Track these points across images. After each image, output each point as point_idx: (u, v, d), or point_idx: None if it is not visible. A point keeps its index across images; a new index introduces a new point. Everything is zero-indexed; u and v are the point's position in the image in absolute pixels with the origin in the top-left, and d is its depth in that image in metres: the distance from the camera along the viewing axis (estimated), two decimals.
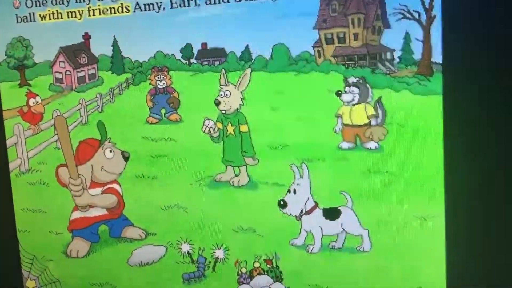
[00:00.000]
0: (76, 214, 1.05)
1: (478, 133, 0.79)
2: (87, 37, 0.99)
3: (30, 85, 1.05)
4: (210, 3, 0.90)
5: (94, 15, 0.98)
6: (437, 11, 0.78)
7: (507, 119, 0.78)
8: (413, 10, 0.79)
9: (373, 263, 0.88)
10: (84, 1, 0.98)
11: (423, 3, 0.79)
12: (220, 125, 0.94)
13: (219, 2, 0.90)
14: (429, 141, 0.81)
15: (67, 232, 1.06)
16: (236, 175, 0.94)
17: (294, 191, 0.90)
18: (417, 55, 0.80)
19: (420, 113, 0.81)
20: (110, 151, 1.01)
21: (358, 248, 0.89)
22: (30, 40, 1.03)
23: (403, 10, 0.80)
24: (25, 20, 1.02)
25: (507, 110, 0.77)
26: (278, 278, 0.94)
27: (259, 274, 0.95)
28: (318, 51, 0.86)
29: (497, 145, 0.79)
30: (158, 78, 0.96)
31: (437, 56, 0.79)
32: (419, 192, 0.83)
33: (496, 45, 0.76)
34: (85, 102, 1.02)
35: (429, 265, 0.85)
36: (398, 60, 0.82)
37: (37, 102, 1.05)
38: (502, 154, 0.79)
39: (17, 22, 1.03)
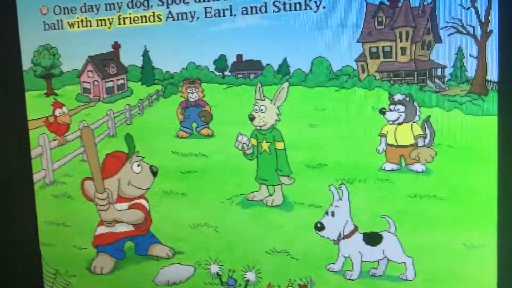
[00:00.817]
0: (101, 229, 1.04)
1: None
2: (116, 46, 0.98)
3: (56, 95, 1.04)
4: (247, 13, 0.88)
5: (124, 23, 0.97)
6: (493, 25, 0.75)
7: None
8: (467, 24, 0.76)
9: None
10: (114, 9, 0.97)
11: (478, 17, 0.75)
12: (254, 141, 0.92)
13: (256, 12, 0.88)
14: (482, 164, 0.78)
15: (91, 248, 1.06)
16: (270, 194, 0.92)
17: (332, 214, 0.87)
18: (471, 72, 0.77)
19: (472, 134, 0.78)
20: (138, 165, 0.99)
21: (400, 277, 0.85)
22: (58, 48, 1.02)
23: (457, 24, 0.77)
24: (53, 28, 1.02)
25: None
26: None
27: None
28: (362, 65, 0.83)
29: None
30: (190, 90, 0.95)
31: (492, 74, 0.76)
32: (469, 219, 0.80)
33: None
34: (113, 113, 1.01)
35: None
36: (449, 77, 0.79)
37: (64, 112, 1.05)
38: None
39: (45, 29, 1.02)
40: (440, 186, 0.81)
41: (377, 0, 0.80)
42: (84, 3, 0.98)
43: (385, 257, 0.86)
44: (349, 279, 0.88)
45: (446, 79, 0.79)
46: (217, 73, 0.92)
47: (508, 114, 0.76)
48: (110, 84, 1.01)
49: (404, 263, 0.85)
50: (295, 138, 0.89)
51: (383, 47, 0.82)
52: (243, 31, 0.88)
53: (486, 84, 0.76)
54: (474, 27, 0.76)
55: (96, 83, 1.01)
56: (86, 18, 0.98)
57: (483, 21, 0.75)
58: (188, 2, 0.91)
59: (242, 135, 0.92)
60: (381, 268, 0.87)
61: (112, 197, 1.01)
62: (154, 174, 0.99)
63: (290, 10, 0.85)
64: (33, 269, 1.10)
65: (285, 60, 0.87)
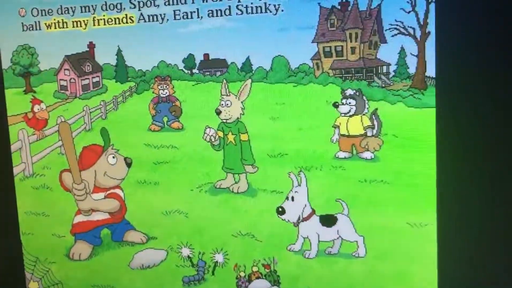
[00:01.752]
0: (79, 218, 1.07)
1: (470, 144, 0.82)
2: (91, 46, 1.01)
3: (35, 92, 1.07)
4: (213, 16, 0.92)
5: (99, 24, 1.00)
6: (431, 27, 0.81)
7: (497, 131, 0.80)
8: (408, 26, 0.82)
9: (367, 268, 0.91)
10: (89, 11, 1.00)
11: (418, 20, 0.81)
12: (221, 134, 0.96)
13: (221, 15, 0.92)
14: (423, 151, 0.84)
15: (70, 235, 1.08)
16: (236, 182, 0.97)
17: (292, 198, 0.92)
18: (412, 69, 0.83)
19: (414, 125, 0.84)
20: (113, 157, 1.03)
21: (353, 254, 0.91)
22: (36, 48, 1.05)
23: (399, 26, 0.82)
24: (31, 29, 1.04)
25: (498, 122, 0.80)
26: (275, 282, 0.97)
27: (257, 278, 0.98)
28: (317, 63, 0.88)
29: (488, 155, 0.81)
30: (161, 87, 0.99)
31: (430, 71, 0.82)
32: (412, 200, 0.86)
33: (488, 61, 0.79)
34: (89, 109, 1.04)
35: (422, 271, 0.87)
36: (393, 73, 0.85)
37: (42, 108, 1.07)
38: (493, 164, 0.82)
39: (23, 30, 1.04)
40: (386, 171, 0.87)
41: (330, 4, 0.85)
42: (61, 5, 1.00)
43: (340, 236, 0.91)
44: (308, 258, 0.93)
45: (390, 76, 0.85)
46: (186, 71, 0.95)
47: (445, 107, 0.82)
48: (86, 82, 1.04)
49: (356, 241, 0.90)
50: (258, 130, 0.93)
51: (335, 46, 0.87)
52: (210, 32, 0.92)
53: (425, 80, 0.82)
54: (414, 29, 0.82)
55: (72, 80, 1.04)
56: (62, 19, 1.01)
57: (422, 24, 0.81)
58: (158, 5, 0.95)
59: (209, 128, 0.96)
60: (336, 247, 0.92)
61: (89, 188, 1.04)
62: (129, 165, 1.02)
63: (252, 13, 0.89)
64: (14, 258, 1.12)
65: (248, 59, 0.91)
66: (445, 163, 0.83)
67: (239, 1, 0.90)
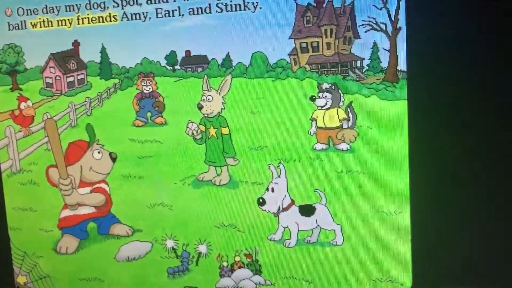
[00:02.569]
0: (66, 212, 1.09)
1: (440, 135, 0.85)
2: (76, 44, 1.03)
3: (21, 90, 1.09)
4: (193, 14, 0.95)
5: (83, 23, 1.02)
6: (402, 23, 0.84)
7: (466, 122, 0.84)
8: (380, 22, 0.85)
9: (345, 256, 0.94)
10: (73, 10, 1.02)
11: (389, 16, 0.84)
12: (202, 128, 0.98)
13: (202, 13, 0.94)
14: (396, 142, 0.87)
15: (57, 230, 1.10)
16: (218, 175, 0.99)
17: (272, 190, 0.95)
18: (384, 64, 0.86)
19: (387, 117, 0.87)
20: (99, 152, 1.05)
21: (331, 242, 0.94)
22: (22, 47, 1.07)
23: (372, 22, 0.85)
24: (17, 28, 1.06)
25: (466, 113, 0.84)
26: (257, 271, 0.99)
27: (239, 267, 1.00)
28: (294, 59, 0.91)
29: (457, 145, 0.85)
30: (144, 83, 1.01)
31: (402, 65, 0.85)
32: (387, 190, 0.89)
33: (456, 54, 0.83)
34: (74, 105, 1.06)
35: (396, 258, 0.91)
36: (367, 68, 0.87)
37: (28, 105, 1.09)
38: (463, 154, 0.85)
39: (9, 29, 1.07)
40: (362, 162, 0.89)
41: (305, 1, 0.88)
42: (46, 5, 1.02)
43: (318, 226, 0.94)
44: (288, 247, 0.96)
45: (364, 70, 0.87)
46: (168, 67, 0.98)
47: (416, 99, 0.85)
48: (71, 79, 1.06)
49: (334, 230, 0.93)
50: (239, 124, 0.95)
51: (311, 42, 0.90)
52: (191, 30, 0.95)
53: (397, 73, 0.85)
54: (386, 25, 0.84)
55: (58, 78, 1.06)
56: (47, 18, 1.03)
57: (393, 20, 0.84)
58: (141, 4, 0.97)
59: (192, 122, 0.98)
60: (314, 235, 0.95)
61: (75, 183, 1.07)
62: (114, 160, 1.04)
63: (232, 10, 0.92)
64: (2, 252, 1.14)
65: (228, 55, 0.93)
66: (417, 153, 0.86)
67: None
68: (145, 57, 0.98)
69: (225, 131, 0.97)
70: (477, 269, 0.87)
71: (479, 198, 0.85)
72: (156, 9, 0.97)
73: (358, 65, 0.88)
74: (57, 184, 1.07)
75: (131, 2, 0.98)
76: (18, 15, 1.05)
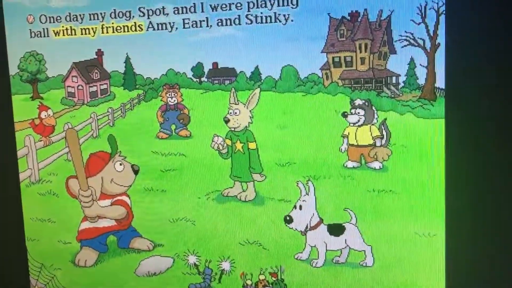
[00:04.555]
0: (85, 225, 1.07)
1: (478, 155, 0.83)
2: (100, 53, 1.02)
3: (42, 98, 1.07)
4: (222, 25, 0.93)
5: (107, 32, 1.00)
6: (441, 39, 0.82)
7: (505, 142, 0.81)
8: (418, 38, 0.83)
9: (375, 278, 0.91)
10: (98, 19, 1.00)
11: (428, 31, 0.82)
12: (229, 142, 0.97)
13: (231, 24, 0.92)
14: (432, 162, 0.85)
15: (75, 242, 1.09)
16: (243, 191, 0.97)
17: (300, 207, 0.93)
18: (421, 80, 0.84)
19: (423, 135, 0.85)
20: (120, 164, 1.03)
21: (361, 263, 0.92)
22: (44, 55, 1.05)
23: (409, 37, 0.83)
24: (39, 35, 1.04)
25: (505, 133, 0.81)
26: None
27: (264, 286, 0.98)
28: (326, 73, 0.89)
29: (497, 166, 0.82)
30: (169, 95, 0.99)
31: (440, 82, 0.83)
32: (421, 211, 0.87)
33: (496, 72, 0.80)
34: (96, 116, 1.05)
35: (429, 281, 0.88)
36: (402, 84, 0.85)
37: (49, 115, 1.07)
38: (502, 175, 0.82)
39: (31, 37, 1.05)
40: (395, 181, 0.87)
41: (339, 15, 0.86)
42: (69, 13, 1.01)
43: (347, 246, 0.92)
44: (315, 267, 0.94)
45: (400, 86, 0.85)
46: (195, 79, 0.96)
47: (453, 117, 0.82)
48: (93, 89, 1.04)
49: (364, 251, 0.91)
50: (266, 139, 0.94)
51: (344, 57, 0.88)
52: (219, 41, 0.93)
53: (435, 91, 0.83)
54: (424, 40, 0.82)
55: (80, 87, 1.04)
56: (71, 26, 1.01)
57: (432, 35, 0.82)
58: (167, 14, 0.95)
59: (217, 136, 0.96)
60: (343, 256, 0.93)
61: (95, 194, 1.05)
62: (136, 172, 1.02)
63: (262, 22, 0.90)
64: (19, 263, 1.12)
65: (257, 68, 0.92)
66: (453, 174, 0.84)
67: (248, 11, 0.91)
68: (170, 68, 0.97)
69: (252, 145, 0.95)
70: None
71: None
72: (183, 19, 0.95)
73: (394, 81, 0.86)
74: (77, 196, 1.06)
75: (158, 12, 0.97)
76: (41, 22, 1.04)
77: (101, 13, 1.00)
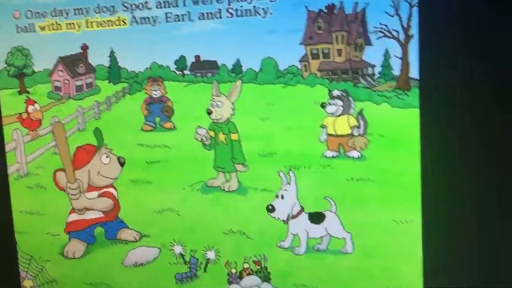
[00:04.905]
0: (73, 217, 1.08)
1: (452, 143, 0.85)
2: (85, 47, 1.03)
3: (29, 93, 1.08)
4: (204, 18, 0.94)
5: (92, 27, 1.01)
6: (414, 30, 0.83)
7: (479, 130, 0.83)
8: (392, 29, 0.84)
9: (355, 264, 0.93)
10: (82, 14, 1.01)
11: (401, 23, 0.84)
12: (212, 133, 0.98)
13: (212, 18, 0.94)
14: (407, 150, 0.86)
15: (64, 234, 1.10)
16: (226, 181, 0.98)
17: (282, 196, 0.94)
18: (396, 71, 0.86)
19: (398, 124, 0.86)
20: (107, 156, 1.04)
21: (341, 250, 0.93)
22: (30, 50, 1.06)
23: (383, 29, 0.85)
24: (25, 31, 1.05)
25: (479, 121, 0.83)
26: (266, 278, 0.99)
27: (248, 274, 1.00)
28: (305, 65, 0.90)
29: (470, 153, 0.84)
30: (153, 88, 1.00)
31: (414, 72, 0.84)
32: (398, 198, 0.88)
33: (468, 62, 0.82)
34: (82, 109, 1.06)
35: (408, 267, 0.90)
36: (378, 75, 0.87)
37: (36, 109, 1.08)
38: (475, 162, 0.84)
39: (17, 32, 1.06)
40: (373, 170, 0.89)
41: (317, 8, 0.88)
42: (54, 8, 1.02)
43: (328, 233, 0.93)
44: (297, 254, 0.95)
45: (376, 77, 0.87)
46: (178, 72, 0.97)
47: (428, 107, 0.84)
48: (79, 83, 1.05)
49: (344, 238, 0.92)
50: (248, 130, 0.95)
51: (322, 49, 0.89)
52: (201, 35, 0.94)
53: (409, 81, 0.85)
54: (398, 32, 0.84)
55: (66, 81, 1.05)
56: (56, 22, 1.03)
57: (405, 27, 0.83)
58: (150, 8, 0.96)
59: (201, 127, 0.98)
60: (324, 243, 0.94)
61: (82, 187, 1.06)
62: (122, 164, 1.03)
63: (242, 16, 0.92)
64: (8, 256, 1.14)
65: (238, 61, 0.93)
66: (429, 161, 0.85)
67: (229, 4, 0.92)
68: (154, 62, 0.98)
69: (234, 137, 0.96)
70: (489, 278, 0.86)
71: (492, 207, 0.84)
72: (166, 14, 0.96)
73: (370, 72, 0.87)
74: (65, 188, 1.07)
75: (141, 6, 0.98)
76: (27, 18, 1.05)
77: (85, 8, 1.01)
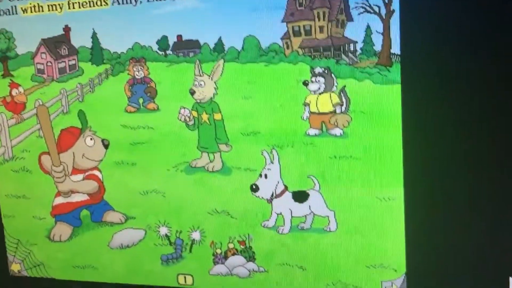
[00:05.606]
0: (59, 200, 1.09)
1: (435, 120, 0.84)
2: (67, 29, 1.02)
3: (12, 76, 1.08)
4: None
5: (74, 8, 1.01)
6: (395, 5, 0.83)
7: (460, 106, 0.83)
8: (373, 5, 0.84)
9: (339, 242, 0.93)
10: None
11: None
12: (195, 114, 0.98)
13: None
14: (389, 127, 0.86)
15: (50, 217, 1.10)
16: (210, 161, 0.98)
17: (265, 176, 0.94)
18: (378, 47, 0.85)
19: (380, 101, 0.86)
20: (91, 139, 1.04)
21: (325, 229, 0.94)
22: (13, 32, 1.06)
23: (365, 4, 0.84)
24: (7, 13, 1.05)
25: (460, 97, 0.83)
26: (251, 258, 0.99)
27: (233, 254, 1.00)
28: (286, 43, 0.90)
29: (452, 130, 0.84)
30: (136, 69, 1.00)
31: (396, 48, 0.84)
32: (380, 175, 0.88)
33: (450, 39, 0.81)
34: (66, 92, 1.05)
35: (391, 244, 0.90)
36: (360, 51, 0.86)
37: (20, 92, 1.08)
38: (455, 138, 0.84)
39: (0, 15, 1.05)
40: (355, 147, 0.89)
41: None
42: None
43: (312, 212, 0.93)
44: (282, 233, 0.96)
45: (358, 53, 0.86)
46: (160, 52, 0.97)
47: (409, 82, 0.84)
48: (62, 65, 1.05)
49: (328, 216, 0.93)
50: (231, 110, 0.94)
51: (304, 26, 0.88)
52: (182, 14, 0.93)
53: (391, 56, 0.84)
54: (379, 7, 0.83)
55: (49, 64, 1.05)
56: (38, 3, 1.02)
57: (386, 2, 0.83)
58: None
59: (184, 108, 0.97)
60: (308, 222, 0.94)
61: (67, 170, 1.06)
62: (106, 146, 1.03)
63: None
64: None
65: (220, 39, 0.92)
66: (410, 138, 0.85)
67: None
68: (136, 42, 0.97)
69: (217, 116, 0.96)
70: (471, 255, 0.86)
71: (473, 184, 0.84)
72: None
73: (352, 48, 0.87)
74: (50, 171, 1.07)
75: None
76: (9, 0, 1.04)
77: None
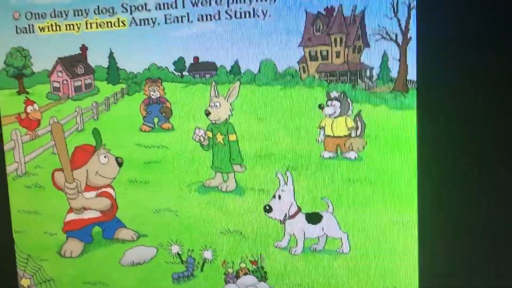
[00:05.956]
0: (71, 216, 1.09)
1: (449, 144, 0.85)
2: (84, 48, 1.03)
3: (28, 93, 1.09)
4: (202, 20, 0.95)
5: (91, 28, 1.02)
6: (412, 33, 0.84)
7: (475, 132, 0.84)
8: (391, 32, 0.85)
9: (351, 264, 0.94)
10: (82, 15, 1.02)
11: (400, 26, 0.84)
12: (210, 134, 0.99)
13: (211, 19, 0.94)
14: (404, 152, 0.87)
15: (61, 233, 1.11)
16: (224, 181, 0.99)
17: (279, 197, 0.95)
18: (394, 73, 0.86)
19: (396, 126, 0.87)
20: (105, 156, 1.05)
21: (338, 251, 0.94)
22: (29, 50, 1.07)
23: (382, 31, 0.85)
24: (25, 32, 1.06)
25: (475, 124, 0.84)
26: (263, 278, 0.99)
27: (245, 274, 1.00)
28: (303, 67, 0.91)
29: (466, 155, 0.85)
30: (152, 89, 1.01)
31: (412, 74, 0.85)
32: (394, 199, 0.89)
33: (465, 65, 0.83)
34: (81, 110, 1.06)
35: (403, 267, 0.91)
36: (376, 77, 0.88)
37: (35, 109, 1.09)
38: (471, 164, 0.85)
39: (17, 33, 1.06)
40: (369, 171, 0.90)
41: (315, 10, 0.88)
42: (54, 9, 1.02)
43: (325, 233, 0.94)
44: (294, 254, 0.96)
45: (374, 79, 0.88)
46: (176, 73, 0.98)
47: (425, 109, 0.85)
48: (78, 83, 1.06)
49: (341, 238, 0.93)
50: (246, 131, 0.95)
51: (320, 51, 0.90)
52: (199, 36, 0.95)
53: (407, 83, 0.85)
54: (396, 34, 0.85)
55: (65, 82, 1.06)
56: (55, 23, 1.03)
57: (404, 29, 0.84)
58: (150, 10, 0.97)
59: (199, 128, 0.98)
60: (321, 243, 0.95)
61: (80, 187, 1.07)
62: (120, 164, 1.04)
63: (241, 17, 0.92)
64: (6, 255, 1.14)
65: (236, 62, 0.93)
66: (425, 162, 0.86)
67: (228, 6, 0.93)
68: (153, 63, 0.98)
69: (232, 137, 0.97)
70: (486, 280, 0.87)
71: (488, 208, 0.84)
72: (165, 15, 0.97)
73: (368, 74, 0.88)
74: (63, 188, 1.07)
75: (140, 8, 0.98)
76: (26, 19, 1.05)
77: (85, 9, 1.01)
